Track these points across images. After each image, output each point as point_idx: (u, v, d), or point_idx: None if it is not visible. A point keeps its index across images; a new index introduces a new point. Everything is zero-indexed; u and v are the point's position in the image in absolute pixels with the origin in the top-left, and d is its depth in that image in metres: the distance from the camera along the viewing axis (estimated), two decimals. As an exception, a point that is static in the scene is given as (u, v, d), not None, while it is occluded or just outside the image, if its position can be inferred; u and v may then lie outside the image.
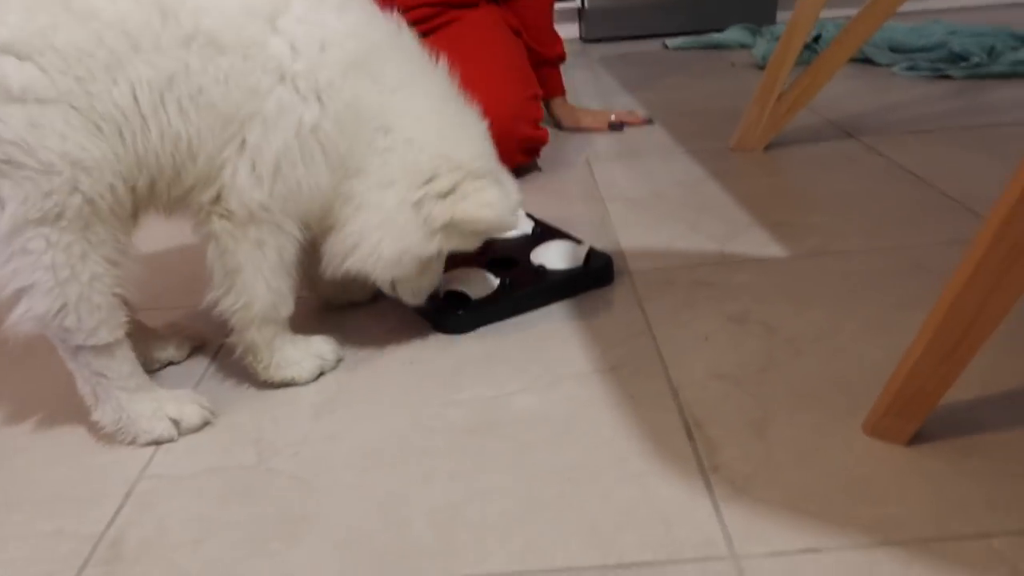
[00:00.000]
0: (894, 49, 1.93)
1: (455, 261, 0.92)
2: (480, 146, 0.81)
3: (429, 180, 0.76)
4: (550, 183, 1.33)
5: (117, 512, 0.66)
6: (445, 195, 0.76)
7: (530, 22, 1.46)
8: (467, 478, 0.66)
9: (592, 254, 0.97)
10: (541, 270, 0.95)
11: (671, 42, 2.36)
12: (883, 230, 1.04)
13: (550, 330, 0.87)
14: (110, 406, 0.73)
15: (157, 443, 0.74)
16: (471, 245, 0.82)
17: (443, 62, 0.82)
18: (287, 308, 0.79)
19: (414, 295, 0.84)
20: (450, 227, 0.77)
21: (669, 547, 0.57)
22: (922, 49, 1.89)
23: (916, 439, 0.65)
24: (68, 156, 0.63)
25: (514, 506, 0.62)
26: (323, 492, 0.66)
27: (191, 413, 0.75)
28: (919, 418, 0.63)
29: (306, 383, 0.81)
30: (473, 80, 0.85)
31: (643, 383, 0.76)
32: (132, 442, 0.74)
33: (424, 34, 1.01)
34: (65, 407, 0.81)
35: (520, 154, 1.32)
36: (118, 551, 0.62)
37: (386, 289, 0.83)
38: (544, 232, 1.05)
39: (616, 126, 1.60)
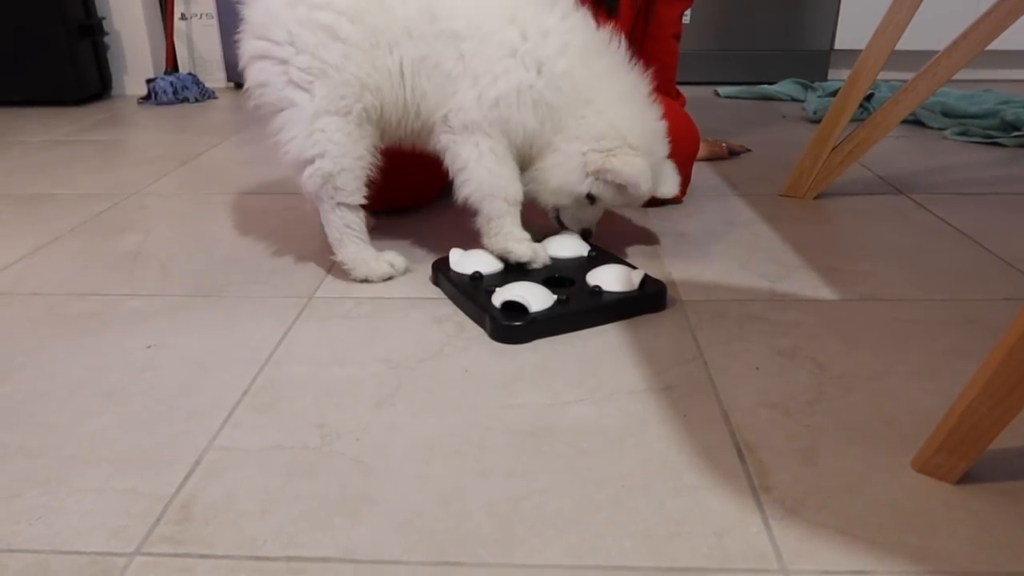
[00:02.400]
0: (946, 114, 1.96)
1: (515, 275, 1.01)
2: (647, 132, 1.05)
3: (599, 139, 1.02)
4: (605, 212, 1.36)
5: (187, 478, 0.69)
6: (604, 152, 1.02)
7: (660, 75, 1.52)
8: (524, 476, 0.68)
9: (647, 280, 1.00)
10: (597, 291, 0.98)
11: (723, 90, 2.41)
12: (933, 282, 1.06)
13: (604, 348, 0.90)
14: (350, 250, 1.06)
15: (384, 278, 1.07)
16: (614, 198, 1.06)
17: (641, 71, 1.09)
18: (513, 189, 1.03)
19: (571, 222, 1.12)
20: (600, 173, 1.02)
21: (720, 557, 0.59)
22: (974, 116, 1.92)
23: (965, 479, 0.66)
24: (361, 79, 0.98)
25: (570, 505, 0.65)
26: (384, 477, 0.69)
27: (400, 261, 1.09)
28: (970, 457, 0.65)
29: (519, 259, 1.04)
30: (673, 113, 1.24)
31: (695, 404, 0.79)
32: (365, 280, 1.07)
33: None
34: (135, 379, 0.85)
35: (683, 182, 1.40)
36: (188, 513, 0.65)
37: (551, 216, 1.13)
38: (600, 256, 1.08)
39: (735, 152, 1.73)
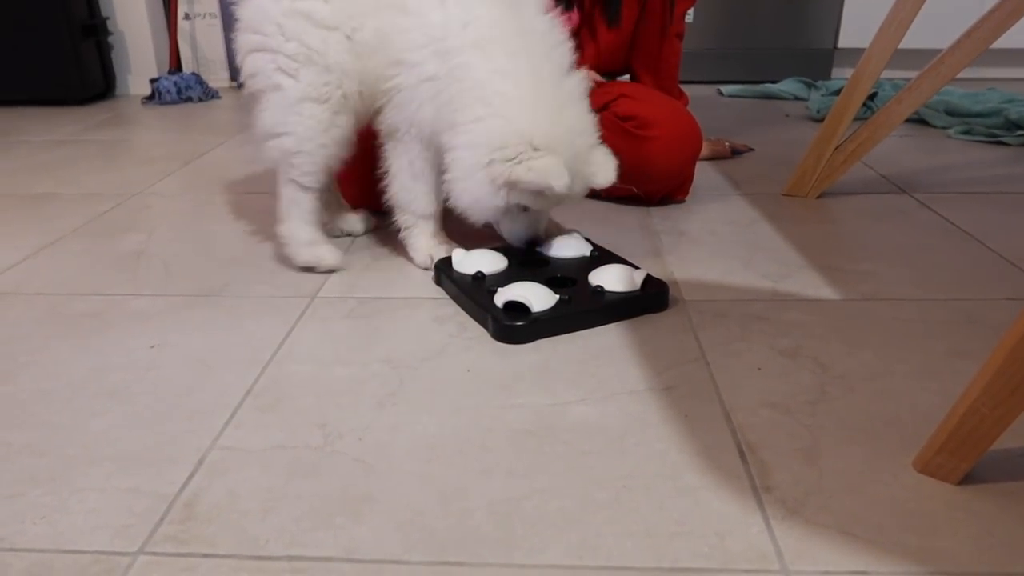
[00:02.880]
0: (950, 113, 1.95)
1: (518, 275, 1.01)
2: (553, 129, 0.95)
3: (501, 148, 0.94)
4: (607, 212, 1.36)
5: (190, 477, 0.69)
6: (510, 160, 0.93)
7: (663, 74, 1.52)
8: (525, 476, 0.68)
9: (649, 280, 1.00)
10: (599, 290, 0.98)
11: (726, 89, 2.41)
12: (935, 282, 1.05)
13: (606, 348, 0.90)
14: (288, 226, 1.10)
15: (304, 266, 1.11)
16: (537, 203, 0.99)
17: (564, 53, 1.01)
18: (421, 205, 1.10)
19: (509, 235, 1.07)
20: (509, 184, 0.94)
21: (722, 557, 0.59)
22: (978, 115, 1.91)
23: (966, 480, 0.66)
24: (341, 65, 1.02)
25: (571, 505, 0.65)
26: (385, 476, 0.69)
27: (331, 258, 1.10)
28: (972, 458, 0.65)
29: (421, 265, 1.12)
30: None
31: (697, 405, 0.79)
32: (293, 259, 1.11)
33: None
34: (138, 379, 0.85)
35: (686, 181, 1.41)
36: (191, 512, 0.65)
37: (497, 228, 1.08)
38: (602, 256, 1.08)
39: (738, 151, 1.72)
